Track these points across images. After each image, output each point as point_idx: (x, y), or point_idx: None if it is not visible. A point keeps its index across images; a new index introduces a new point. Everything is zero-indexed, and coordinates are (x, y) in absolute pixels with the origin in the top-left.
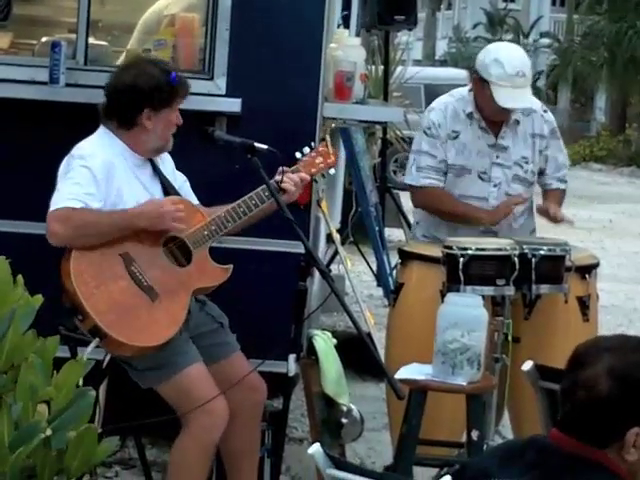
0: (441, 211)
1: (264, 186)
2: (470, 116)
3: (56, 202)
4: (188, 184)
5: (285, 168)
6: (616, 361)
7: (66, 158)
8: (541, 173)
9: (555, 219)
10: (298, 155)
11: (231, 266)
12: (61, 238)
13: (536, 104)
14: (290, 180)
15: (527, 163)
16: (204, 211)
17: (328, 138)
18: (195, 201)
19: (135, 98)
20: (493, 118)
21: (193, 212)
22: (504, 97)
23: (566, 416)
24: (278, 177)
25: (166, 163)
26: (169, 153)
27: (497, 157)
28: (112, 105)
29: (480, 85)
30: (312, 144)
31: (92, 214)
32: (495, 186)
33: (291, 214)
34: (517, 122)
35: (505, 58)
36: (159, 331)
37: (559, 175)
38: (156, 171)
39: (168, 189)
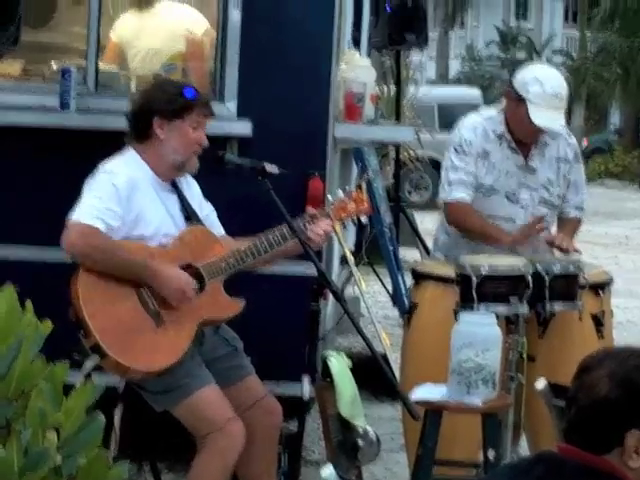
0: (469, 229)
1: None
2: (500, 137)
3: (78, 214)
4: (215, 215)
5: (313, 212)
6: (617, 365)
7: (93, 174)
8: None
9: (561, 250)
10: (330, 198)
11: (243, 301)
12: (76, 250)
13: (562, 128)
14: (316, 230)
15: (552, 186)
16: (225, 243)
17: (364, 185)
18: (221, 232)
19: (146, 107)
20: (524, 138)
21: (212, 243)
22: (540, 116)
23: (570, 423)
24: (306, 220)
25: (193, 192)
26: (197, 181)
27: (525, 178)
28: (130, 122)
29: (515, 103)
30: (346, 188)
31: (113, 244)
32: (522, 208)
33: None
34: (545, 144)
35: (545, 78)
36: (158, 358)
37: (577, 202)
38: (180, 198)
39: (191, 217)
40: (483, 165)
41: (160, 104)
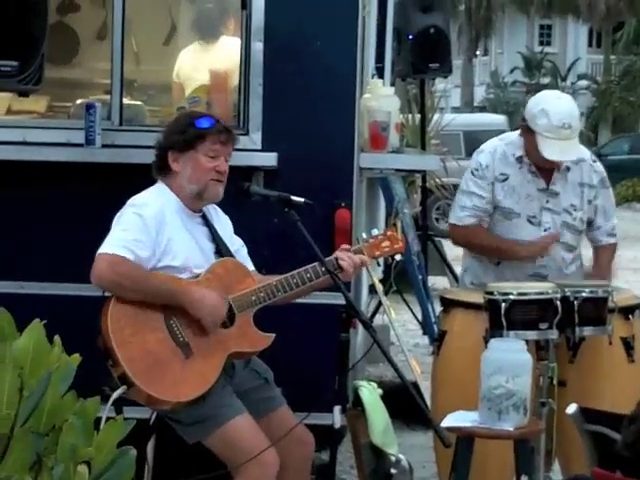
0: (479, 246)
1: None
2: (520, 160)
3: (105, 246)
4: (245, 251)
5: (347, 246)
6: None
7: (122, 208)
8: (590, 225)
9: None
10: (364, 235)
11: (273, 335)
12: (104, 280)
13: (585, 153)
14: (349, 259)
15: (576, 211)
16: (257, 278)
17: (399, 224)
18: (251, 267)
19: (162, 143)
20: (541, 165)
21: (243, 276)
22: (549, 149)
23: (624, 440)
24: (339, 254)
25: (224, 225)
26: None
27: (547, 202)
28: (155, 157)
29: (527, 133)
30: (382, 227)
31: (142, 271)
32: (545, 231)
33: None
34: (568, 169)
35: (551, 109)
36: (185, 388)
37: (608, 228)
38: (211, 230)
39: (221, 250)
40: (502, 189)
41: (172, 138)
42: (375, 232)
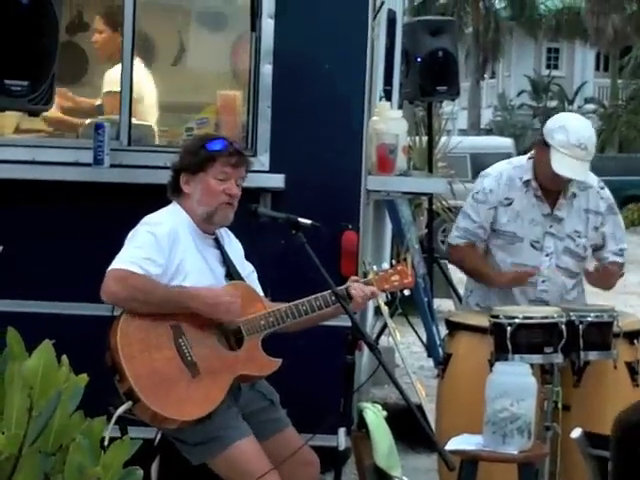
0: (469, 269)
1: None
2: (527, 184)
3: (116, 262)
4: (255, 276)
5: (357, 278)
6: None
7: (136, 227)
8: (599, 248)
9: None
10: (375, 268)
11: (280, 360)
12: (115, 297)
13: (593, 180)
14: (360, 290)
15: (579, 237)
16: (267, 304)
17: (409, 258)
18: (260, 293)
19: (176, 165)
20: (549, 186)
21: (254, 300)
22: (560, 164)
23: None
24: (349, 284)
25: (235, 250)
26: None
27: (550, 227)
28: (169, 178)
29: (541, 149)
30: (392, 262)
31: (150, 282)
32: (547, 255)
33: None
34: (574, 195)
35: (571, 127)
36: (190, 407)
37: (616, 249)
38: (223, 254)
39: (232, 274)
40: (505, 213)
41: (185, 159)
42: (385, 266)
